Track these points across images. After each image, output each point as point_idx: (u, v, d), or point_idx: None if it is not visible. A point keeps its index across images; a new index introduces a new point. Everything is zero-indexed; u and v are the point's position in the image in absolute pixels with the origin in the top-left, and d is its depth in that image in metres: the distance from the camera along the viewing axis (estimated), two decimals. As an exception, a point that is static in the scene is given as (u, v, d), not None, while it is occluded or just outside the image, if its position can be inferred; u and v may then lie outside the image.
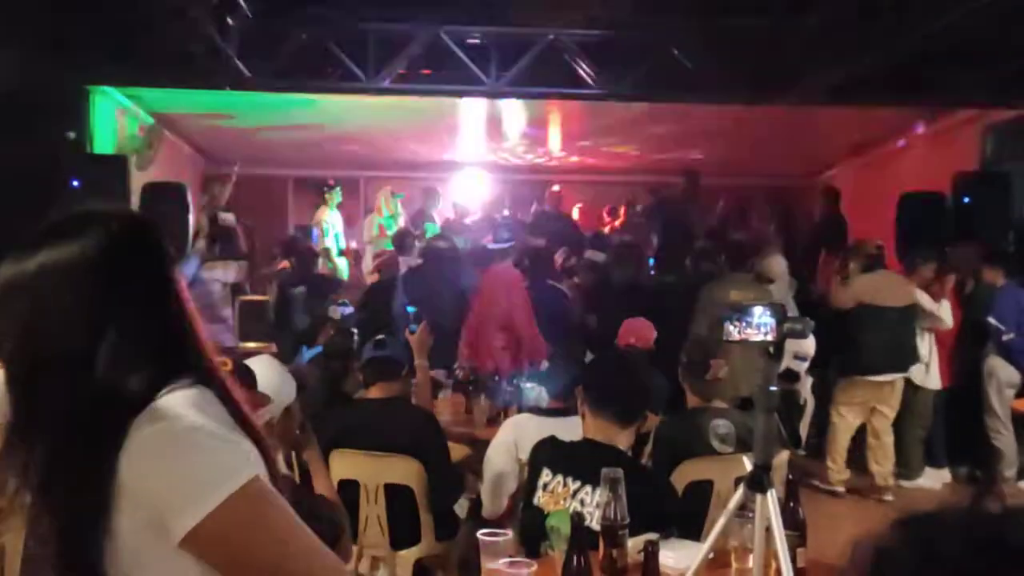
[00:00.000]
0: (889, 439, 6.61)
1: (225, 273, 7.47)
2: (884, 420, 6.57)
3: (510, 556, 2.42)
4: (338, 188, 10.72)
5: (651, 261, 8.60)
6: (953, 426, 6.93)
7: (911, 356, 6.57)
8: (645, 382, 3.03)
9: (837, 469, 6.62)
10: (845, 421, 6.61)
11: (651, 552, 2.15)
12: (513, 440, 3.70)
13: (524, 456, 3.28)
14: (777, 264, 7.25)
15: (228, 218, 9.22)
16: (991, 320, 6.66)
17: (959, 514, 0.85)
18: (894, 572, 0.83)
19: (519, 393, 4.98)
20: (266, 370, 2.94)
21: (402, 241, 8.70)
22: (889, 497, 6.53)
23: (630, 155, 11.12)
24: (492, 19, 6.55)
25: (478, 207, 11.14)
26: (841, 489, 6.59)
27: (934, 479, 6.86)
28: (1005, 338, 6.60)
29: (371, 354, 4.00)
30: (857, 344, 6.48)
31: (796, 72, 6.56)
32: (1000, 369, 6.64)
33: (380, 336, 4.18)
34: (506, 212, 11.12)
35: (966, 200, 7.36)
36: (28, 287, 1.24)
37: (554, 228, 9.56)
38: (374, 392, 3.95)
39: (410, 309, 7.99)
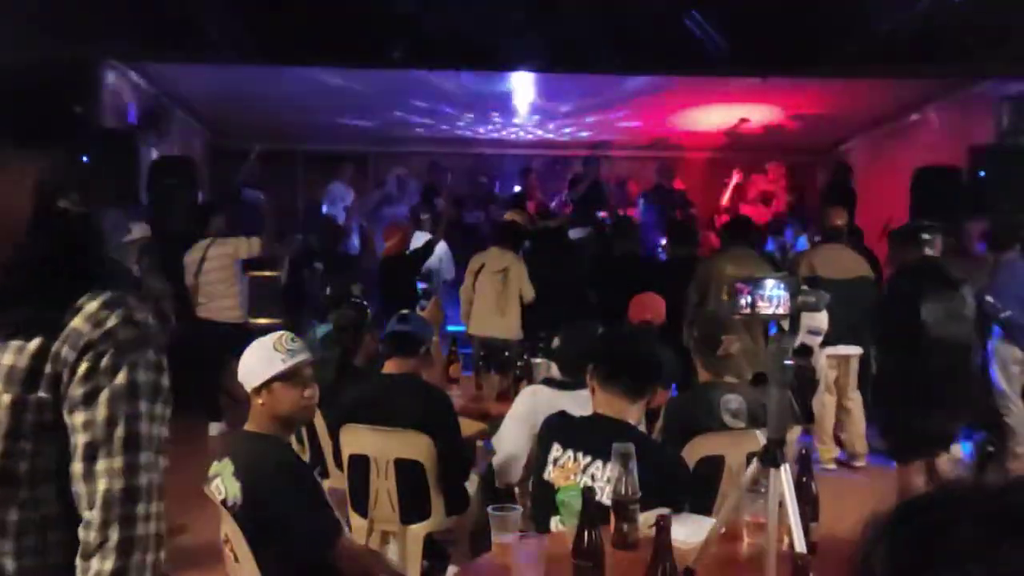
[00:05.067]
0: (856, 406, 6.66)
1: (237, 249, 7.47)
2: (847, 389, 6.62)
3: (520, 531, 2.42)
4: (350, 162, 10.68)
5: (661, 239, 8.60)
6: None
7: (868, 330, 6.48)
8: (654, 356, 3.01)
9: (826, 448, 6.67)
10: (824, 397, 6.63)
11: (662, 527, 2.13)
12: (529, 410, 3.71)
13: (538, 426, 3.28)
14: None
15: (254, 195, 9.22)
16: (987, 299, 6.54)
17: (963, 490, 0.84)
18: (902, 553, 0.82)
19: (530, 368, 4.98)
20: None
21: (416, 216, 8.70)
22: (860, 463, 6.63)
23: (640, 129, 11.04)
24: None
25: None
26: (832, 467, 6.61)
27: None
28: (1003, 316, 6.47)
29: (392, 328, 3.99)
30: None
31: (811, 44, 6.48)
32: (1001, 348, 6.56)
33: (404, 311, 4.17)
34: (517, 188, 11.06)
35: (982, 174, 7.27)
36: None
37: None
38: (388, 367, 3.94)
39: (420, 285, 8.05)
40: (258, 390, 2.82)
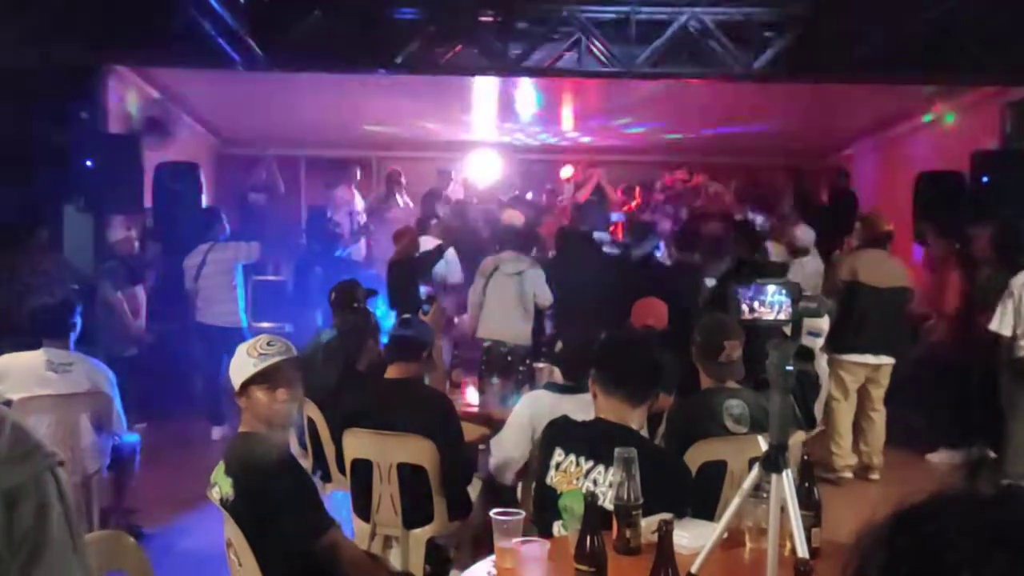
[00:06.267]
0: (880, 419, 6.49)
1: (237, 253, 7.48)
2: (874, 400, 6.45)
3: (523, 535, 2.42)
4: (356, 167, 10.69)
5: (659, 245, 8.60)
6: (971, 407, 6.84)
7: (903, 340, 6.45)
8: (656, 361, 3.00)
9: (842, 454, 6.45)
10: (842, 404, 6.41)
11: (665, 532, 2.14)
12: (529, 415, 3.71)
13: (539, 431, 3.28)
14: (805, 233, 7.31)
15: (259, 199, 9.27)
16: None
17: (957, 500, 0.84)
18: (898, 563, 0.82)
19: (532, 373, 4.98)
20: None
21: (422, 220, 8.70)
22: (875, 476, 6.47)
23: (642, 134, 11.04)
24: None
25: (490, 187, 11.12)
26: (848, 475, 6.43)
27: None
28: None
29: (395, 332, 4.00)
30: (848, 322, 6.19)
31: (815, 49, 6.48)
32: None
33: (406, 315, 4.18)
34: (516, 193, 11.07)
35: (985, 179, 7.26)
36: None
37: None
38: (391, 371, 3.94)
39: (423, 290, 8.05)
40: (238, 394, 2.89)
